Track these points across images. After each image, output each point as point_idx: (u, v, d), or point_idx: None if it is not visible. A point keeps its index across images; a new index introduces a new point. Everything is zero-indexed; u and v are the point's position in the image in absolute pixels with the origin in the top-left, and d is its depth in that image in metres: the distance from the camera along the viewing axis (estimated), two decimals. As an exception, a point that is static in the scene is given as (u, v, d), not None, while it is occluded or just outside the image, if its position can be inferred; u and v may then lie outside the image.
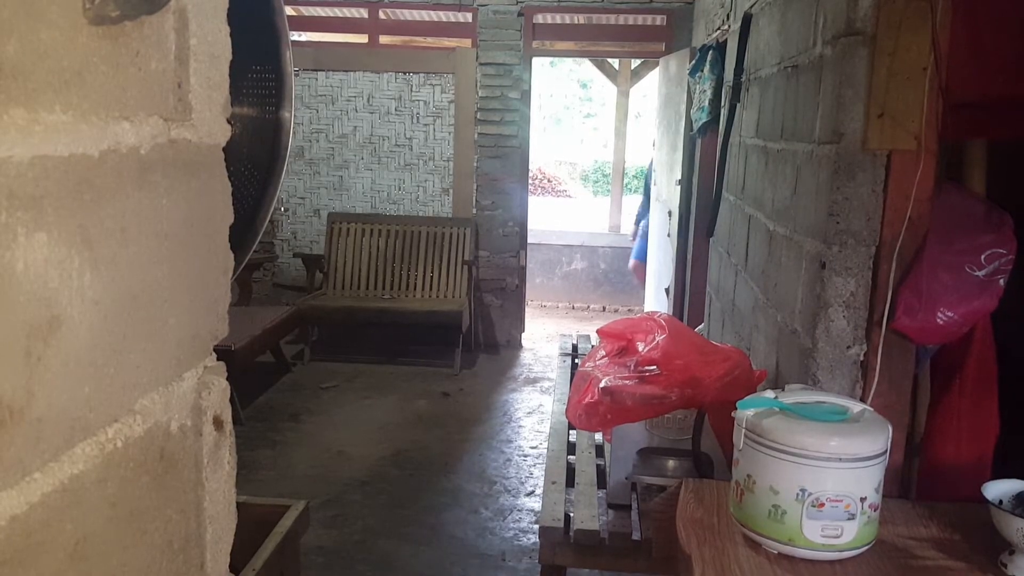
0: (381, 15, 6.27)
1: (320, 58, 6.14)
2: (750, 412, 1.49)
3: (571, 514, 2.21)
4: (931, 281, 1.67)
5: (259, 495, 2.37)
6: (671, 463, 2.21)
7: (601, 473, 2.50)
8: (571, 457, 2.65)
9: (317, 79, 6.14)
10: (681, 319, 4.84)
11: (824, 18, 1.94)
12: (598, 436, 2.73)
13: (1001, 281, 1.65)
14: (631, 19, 6.18)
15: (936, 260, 1.68)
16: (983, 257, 1.65)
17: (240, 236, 1.08)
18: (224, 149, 0.74)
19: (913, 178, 1.69)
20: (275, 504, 2.26)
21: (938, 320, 1.67)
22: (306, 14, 6.23)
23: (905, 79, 1.67)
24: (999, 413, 1.76)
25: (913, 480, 1.84)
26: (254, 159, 1.28)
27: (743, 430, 1.48)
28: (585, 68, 15.98)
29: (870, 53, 1.70)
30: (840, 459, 1.38)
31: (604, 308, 7.77)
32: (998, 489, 1.44)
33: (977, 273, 1.65)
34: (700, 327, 4.04)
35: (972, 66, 1.65)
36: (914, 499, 1.76)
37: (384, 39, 6.42)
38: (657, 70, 6.42)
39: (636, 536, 2.08)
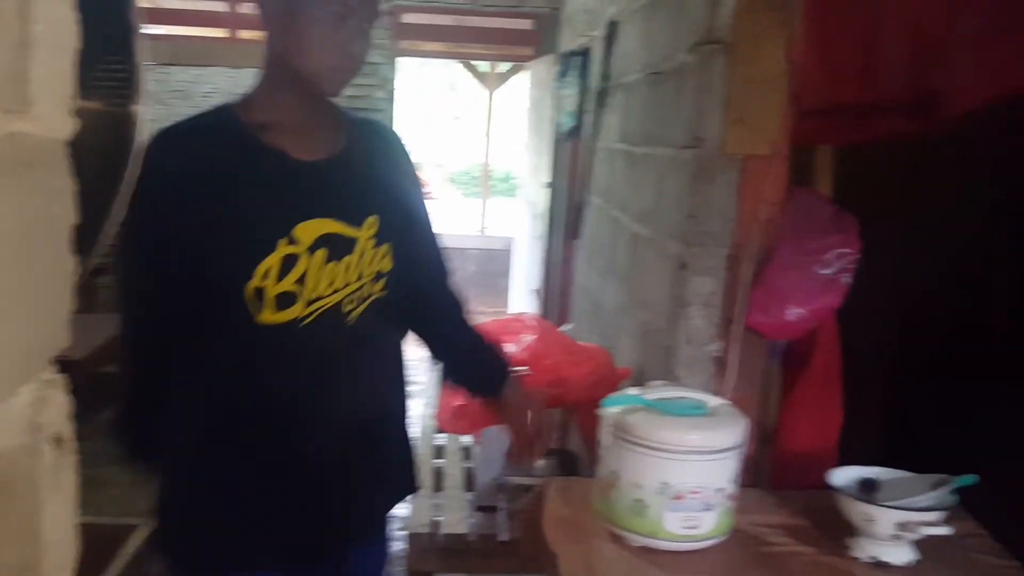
0: (241, 10, 6.03)
1: (177, 52, 5.84)
2: (615, 409, 1.51)
3: (439, 519, 2.18)
4: (782, 280, 1.75)
5: (106, 515, 2.21)
6: (539, 462, 2.22)
7: (471, 476, 2.48)
8: (441, 461, 2.62)
9: (171, 74, 5.83)
10: (548, 320, 4.90)
11: (686, 27, 2.01)
12: (468, 439, 2.72)
13: (846, 279, 1.74)
14: (498, 22, 6.22)
15: (786, 260, 1.76)
16: (830, 256, 1.74)
17: (86, 238, 1.00)
18: (70, 144, 0.68)
19: (766, 182, 1.77)
20: (122, 524, 2.11)
21: (788, 317, 1.75)
22: (163, 6, 5.92)
23: (761, 87, 1.74)
24: (843, 404, 1.86)
25: (765, 469, 1.91)
26: (103, 155, 1.19)
27: (608, 427, 1.50)
28: (454, 70, 15.99)
29: (729, 61, 1.76)
30: (700, 452, 1.42)
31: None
32: (843, 476, 1.52)
33: (824, 272, 1.74)
34: (567, 327, 4.10)
35: (822, 75, 1.74)
36: (766, 487, 1.84)
37: (245, 34, 6.18)
38: (525, 73, 6.49)
39: (504, 537, 2.08)
